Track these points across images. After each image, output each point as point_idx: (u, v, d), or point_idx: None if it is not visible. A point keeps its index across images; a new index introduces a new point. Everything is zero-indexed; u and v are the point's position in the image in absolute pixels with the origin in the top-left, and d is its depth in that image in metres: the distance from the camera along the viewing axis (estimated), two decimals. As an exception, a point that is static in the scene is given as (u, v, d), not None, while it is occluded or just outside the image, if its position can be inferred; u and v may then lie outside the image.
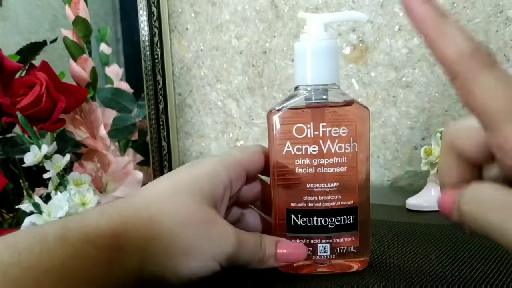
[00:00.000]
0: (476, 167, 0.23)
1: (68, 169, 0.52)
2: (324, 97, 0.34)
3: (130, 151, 0.74)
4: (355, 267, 0.35)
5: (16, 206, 0.47)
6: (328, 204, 0.34)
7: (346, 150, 0.33)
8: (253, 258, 0.31)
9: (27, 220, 0.43)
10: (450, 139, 0.24)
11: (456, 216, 0.21)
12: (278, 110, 0.34)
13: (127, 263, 0.25)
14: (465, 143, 0.23)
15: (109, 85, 0.75)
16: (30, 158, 0.47)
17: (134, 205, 0.28)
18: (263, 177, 0.37)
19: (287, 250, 0.32)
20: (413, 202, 0.51)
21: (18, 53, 0.56)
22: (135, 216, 0.27)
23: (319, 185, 0.34)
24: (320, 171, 0.34)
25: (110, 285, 0.24)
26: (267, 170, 0.35)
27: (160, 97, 0.74)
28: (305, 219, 0.34)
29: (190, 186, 0.30)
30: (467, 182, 0.22)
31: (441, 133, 0.50)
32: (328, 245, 0.34)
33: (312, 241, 0.35)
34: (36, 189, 0.53)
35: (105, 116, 0.63)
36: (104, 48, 0.77)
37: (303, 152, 0.33)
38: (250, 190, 0.36)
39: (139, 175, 0.57)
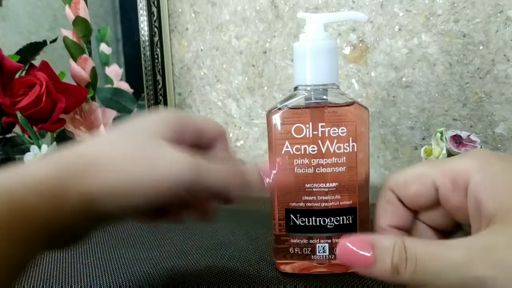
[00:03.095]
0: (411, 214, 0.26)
1: (68, 169, 0.51)
2: (324, 97, 0.34)
3: (130, 151, 0.74)
4: (355, 267, 0.35)
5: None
6: (327, 204, 0.34)
7: (345, 150, 0.33)
8: (229, 184, 0.29)
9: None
10: (391, 187, 0.26)
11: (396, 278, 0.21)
12: (278, 110, 0.34)
13: (69, 197, 0.23)
14: (406, 192, 0.25)
15: (109, 85, 0.75)
16: (30, 158, 0.47)
17: (76, 147, 0.26)
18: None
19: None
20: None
21: (18, 53, 0.56)
22: (76, 155, 0.25)
23: (318, 185, 0.34)
24: (319, 171, 0.34)
25: (56, 224, 0.23)
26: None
27: (160, 97, 0.74)
28: (304, 219, 0.34)
29: (134, 127, 0.28)
30: (402, 227, 0.26)
31: (441, 133, 0.50)
32: (327, 245, 0.34)
33: (311, 241, 0.35)
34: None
35: (105, 116, 0.63)
36: (104, 48, 0.77)
37: (302, 152, 0.33)
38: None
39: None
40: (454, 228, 0.26)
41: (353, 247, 0.21)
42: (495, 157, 0.23)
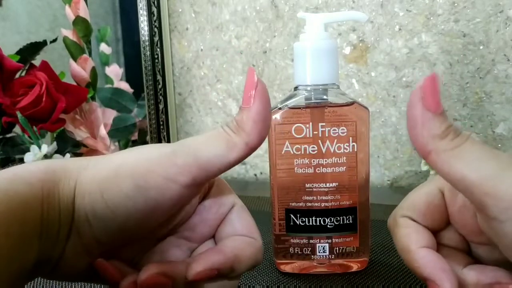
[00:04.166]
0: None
1: (68, 169, 0.51)
2: (324, 97, 0.34)
3: (130, 151, 0.74)
4: (355, 267, 0.35)
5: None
6: (327, 204, 0.34)
7: (345, 150, 0.33)
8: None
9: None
10: (402, 214, 0.26)
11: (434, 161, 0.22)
12: (278, 109, 0.34)
13: (61, 195, 0.22)
14: (417, 210, 0.26)
15: (109, 85, 0.75)
16: (30, 158, 0.47)
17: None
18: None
19: None
20: (413, 202, 0.51)
21: (18, 53, 0.56)
22: (70, 159, 0.24)
23: (318, 185, 0.34)
24: (319, 171, 0.33)
25: (46, 224, 0.22)
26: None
27: (160, 97, 0.74)
28: (304, 219, 0.34)
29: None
30: (431, 246, 0.25)
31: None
32: (327, 245, 0.34)
33: (311, 241, 0.35)
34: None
35: (105, 116, 0.63)
36: (104, 48, 0.77)
37: (302, 152, 0.33)
38: None
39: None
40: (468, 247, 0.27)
41: None
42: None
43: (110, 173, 0.23)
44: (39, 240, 0.21)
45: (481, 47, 0.57)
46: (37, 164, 0.23)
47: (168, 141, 0.75)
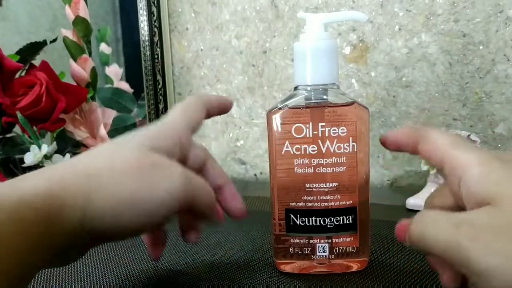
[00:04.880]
0: None
1: (68, 169, 0.51)
2: (324, 97, 0.34)
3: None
4: (355, 267, 0.35)
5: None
6: (327, 204, 0.34)
7: (345, 150, 0.33)
8: (208, 203, 0.29)
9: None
10: (423, 131, 0.28)
11: (407, 238, 0.26)
12: (278, 109, 0.34)
13: (67, 220, 0.23)
14: (422, 145, 0.28)
15: (109, 85, 0.75)
16: (30, 158, 0.47)
17: (72, 163, 0.25)
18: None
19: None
20: (413, 202, 0.51)
21: (18, 53, 0.56)
22: (72, 173, 0.24)
23: (318, 185, 0.34)
24: (319, 171, 0.34)
25: (50, 245, 0.22)
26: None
27: (160, 97, 0.74)
28: (304, 219, 0.34)
29: (130, 138, 0.27)
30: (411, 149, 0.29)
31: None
32: (327, 245, 0.34)
33: (311, 241, 0.35)
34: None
35: (105, 116, 0.63)
36: (104, 48, 0.77)
37: (302, 152, 0.33)
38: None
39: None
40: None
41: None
42: (497, 158, 0.24)
43: (121, 205, 0.24)
44: (48, 256, 0.23)
45: (481, 47, 0.57)
46: (39, 182, 0.23)
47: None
